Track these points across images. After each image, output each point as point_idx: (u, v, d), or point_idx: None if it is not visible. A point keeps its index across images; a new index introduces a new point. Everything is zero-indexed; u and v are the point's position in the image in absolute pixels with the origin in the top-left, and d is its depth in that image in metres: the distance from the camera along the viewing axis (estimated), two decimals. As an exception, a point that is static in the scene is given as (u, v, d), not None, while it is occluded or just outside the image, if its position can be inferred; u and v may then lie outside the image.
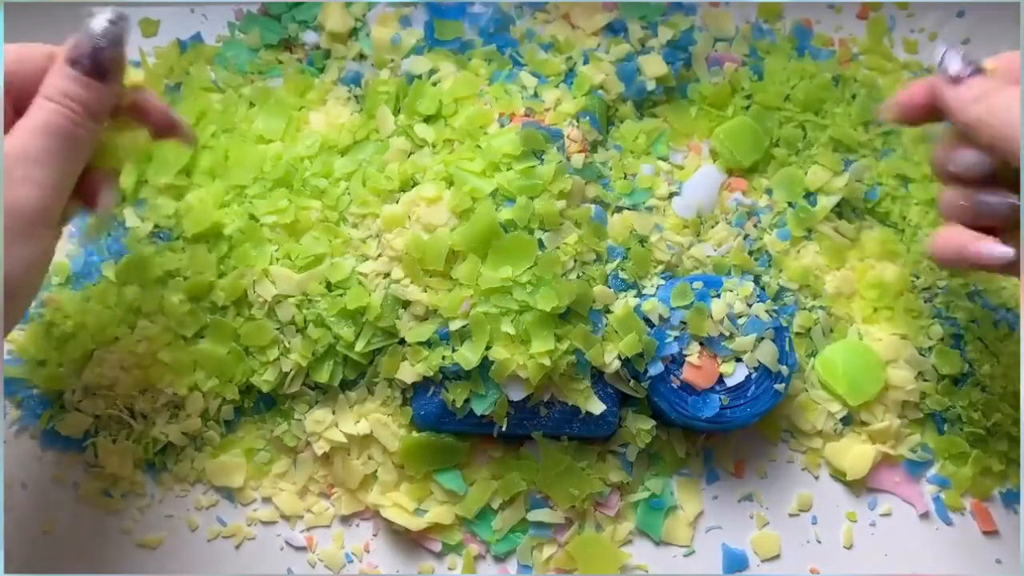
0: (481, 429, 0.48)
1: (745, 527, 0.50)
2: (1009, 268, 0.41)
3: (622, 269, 0.49)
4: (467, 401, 0.47)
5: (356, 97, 0.55)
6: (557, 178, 0.48)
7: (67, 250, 0.52)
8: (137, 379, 0.48)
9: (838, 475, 0.50)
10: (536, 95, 0.53)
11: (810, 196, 0.53)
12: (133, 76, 0.42)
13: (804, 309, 0.51)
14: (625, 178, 0.53)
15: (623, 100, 0.54)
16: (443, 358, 0.46)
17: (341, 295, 0.47)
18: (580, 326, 0.46)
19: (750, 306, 0.48)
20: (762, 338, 0.47)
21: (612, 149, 0.53)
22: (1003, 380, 0.50)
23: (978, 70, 0.41)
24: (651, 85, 0.54)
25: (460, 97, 0.52)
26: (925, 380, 0.50)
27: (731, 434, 0.51)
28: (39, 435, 0.50)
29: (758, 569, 0.49)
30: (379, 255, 0.49)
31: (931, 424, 0.51)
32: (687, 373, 0.47)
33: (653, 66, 0.54)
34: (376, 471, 0.49)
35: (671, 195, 0.53)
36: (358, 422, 0.49)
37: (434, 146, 0.51)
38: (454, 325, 0.46)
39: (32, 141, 0.37)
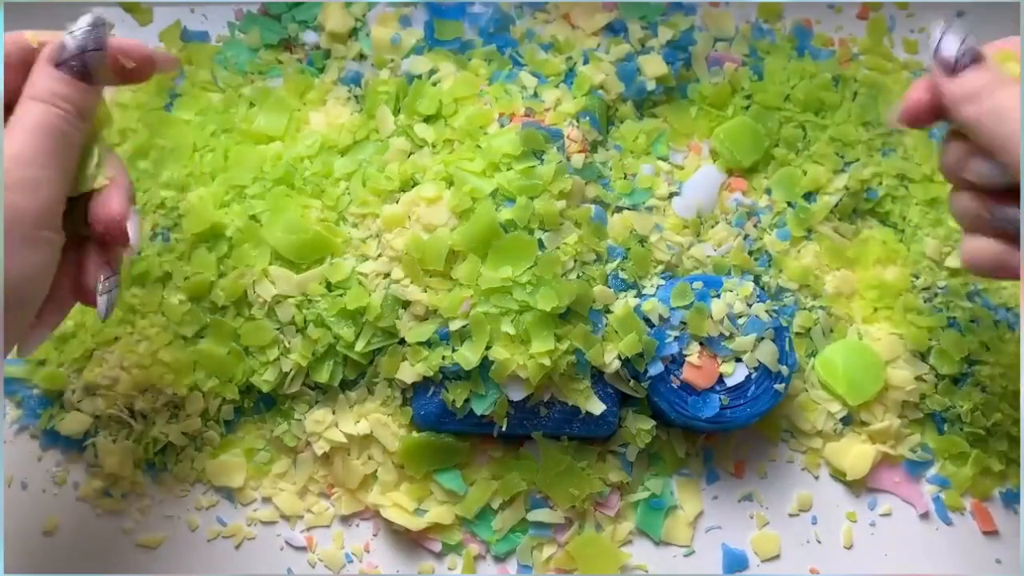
0: (481, 429, 0.48)
1: (745, 527, 0.50)
2: None
3: (622, 269, 0.49)
4: (467, 401, 0.47)
5: (356, 97, 0.55)
6: (557, 178, 0.48)
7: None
8: (137, 379, 0.48)
9: (838, 475, 0.50)
10: (536, 95, 0.53)
11: (810, 196, 0.53)
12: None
13: (804, 309, 0.51)
14: (625, 178, 0.53)
15: (623, 100, 0.54)
16: (443, 358, 0.46)
17: (341, 295, 0.47)
18: (580, 326, 0.46)
19: (750, 306, 0.48)
20: (762, 338, 0.47)
21: (612, 149, 0.53)
22: (1003, 380, 0.50)
23: (975, 58, 0.39)
24: (651, 85, 0.54)
25: (460, 97, 0.52)
26: (925, 380, 0.50)
27: (731, 434, 0.51)
28: (39, 435, 0.50)
29: (758, 569, 0.49)
30: (379, 255, 0.49)
31: (931, 424, 0.51)
32: (687, 373, 0.47)
33: (653, 66, 0.54)
34: (376, 471, 0.49)
35: (671, 195, 0.53)
36: (358, 422, 0.49)
37: (434, 146, 0.51)
38: (454, 325, 0.46)
39: (28, 142, 0.36)
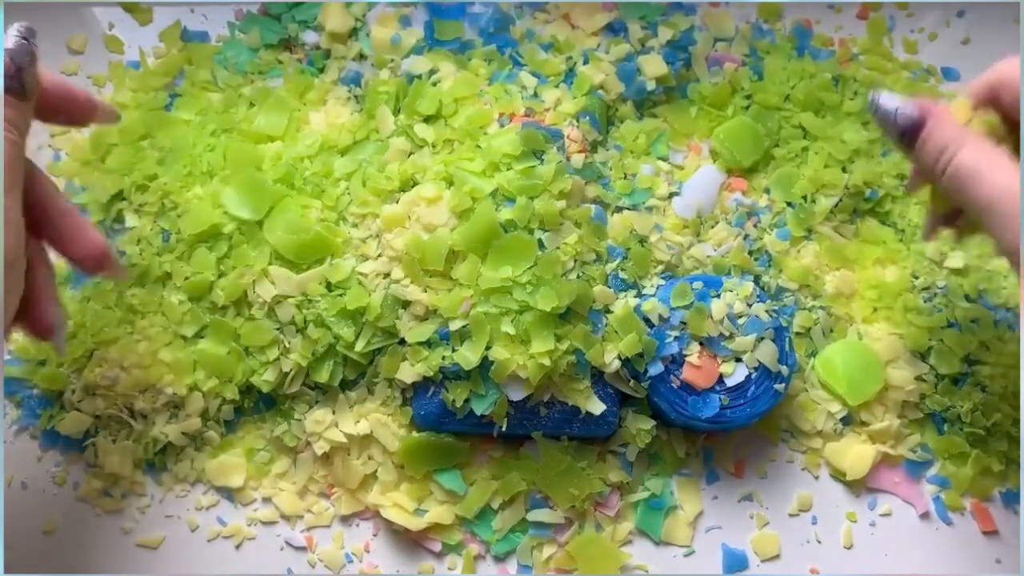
0: (481, 429, 0.48)
1: (745, 527, 0.50)
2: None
3: (622, 269, 0.49)
4: (467, 401, 0.47)
5: (356, 97, 0.55)
6: (557, 178, 0.48)
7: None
8: (137, 379, 0.48)
9: (838, 475, 0.50)
10: (536, 95, 0.53)
11: (810, 196, 0.53)
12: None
13: (804, 309, 0.51)
14: (625, 178, 0.53)
15: (623, 100, 0.54)
16: (443, 358, 0.46)
17: (341, 295, 0.47)
18: (580, 326, 0.46)
19: (750, 306, 0.48)
20: (762, 338, 0.47)
21: (612, 149, 0.53)
22: (1003, 380, 0.50)
23: (916, 123, 0.40)
24: (651, 85, 0.54)
25: (460, 97, 0.52)
26: (925, 380, 0.50)
27: (731, 434, 0.51)
28: (39, 435, 0.50)
29: (758, 569, 0.49)
30: (379, 255, 0.49)
31: (931, 424, 0.51)
32: (687, 373, 0.47)
33: (653, 66, 0.54)
34: (376, 471, 0.49)
35: (671, 195, 0.53)
36: (358, 422, 0.49)
37: (434, 146, 0.51)
38: (454, 325, 0.46)
39: None
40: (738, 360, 0.47)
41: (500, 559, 0.49)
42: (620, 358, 0.47)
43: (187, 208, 0.50)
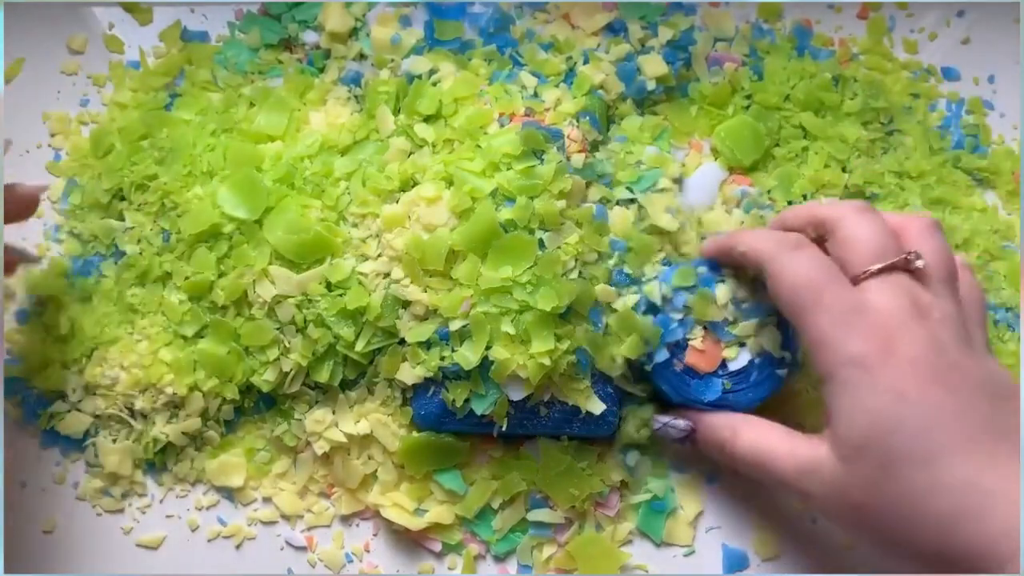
0: (481, 429, 0.48)
1: (745, 527, 0.50)
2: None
3: (624, 262, 0.49)
4: (467, 401, 0.47)
5: (356, 97, 0.55)
6: (557, 178, 0.47)
7: (67, 250, 0.52)
8: (137, 379, 0.48)
9: (838, 475, 0.50)
10: (536, 95, 0.53)
11: (810, 195, 0.53)
12: None
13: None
14: (633, 165, 0.52)
15: (623, 100, 0.54)
16: (443, 358, 0.46)
17: (341, 295, 0.47)
18: (583, 327, 0.46)
19: (754, 292, 0.48)
20: (765, 324, 0.47)
21: (615, 141, 0.53)
22: (1003, 380, 0.50)
23: (686, 433, 0.47)
24: (651, 85, 0.54)
25: (460, 97, 0.52)
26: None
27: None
28: (39, 435, 0.50)
29: (758, 569, 0.49)
30: (379, 255, 0.49)
31: (931, 424, 0.51)
32: (690, 357, 0.47)
33: (653, 66, 0.54)
34: (376, 471, 0.49)
35: (677, 180, 0.52)
36: (358, 422, 0.49)
37: (434, 146, 0.51)
38: (454, 325, 0.46)
39: None
40: (741, 345, 0.47)
41: (500, 559, 0.49)
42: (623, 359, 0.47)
43: (187, 208, 0.50)
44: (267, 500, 0.50)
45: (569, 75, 0.54)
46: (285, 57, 0.57)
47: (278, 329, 0.48)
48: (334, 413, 0.49)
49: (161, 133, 0.53)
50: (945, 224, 0.52)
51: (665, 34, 0.55)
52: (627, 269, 0.49)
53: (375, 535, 0.50)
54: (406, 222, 0.48)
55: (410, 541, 0.49)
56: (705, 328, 0.47)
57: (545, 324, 0.45)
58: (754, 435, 0.44)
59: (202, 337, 0.49)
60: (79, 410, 0.49)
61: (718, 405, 0.47)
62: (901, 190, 0.53)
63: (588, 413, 0.47)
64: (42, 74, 0.57)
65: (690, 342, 0.47)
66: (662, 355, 0.47)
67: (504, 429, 0.47)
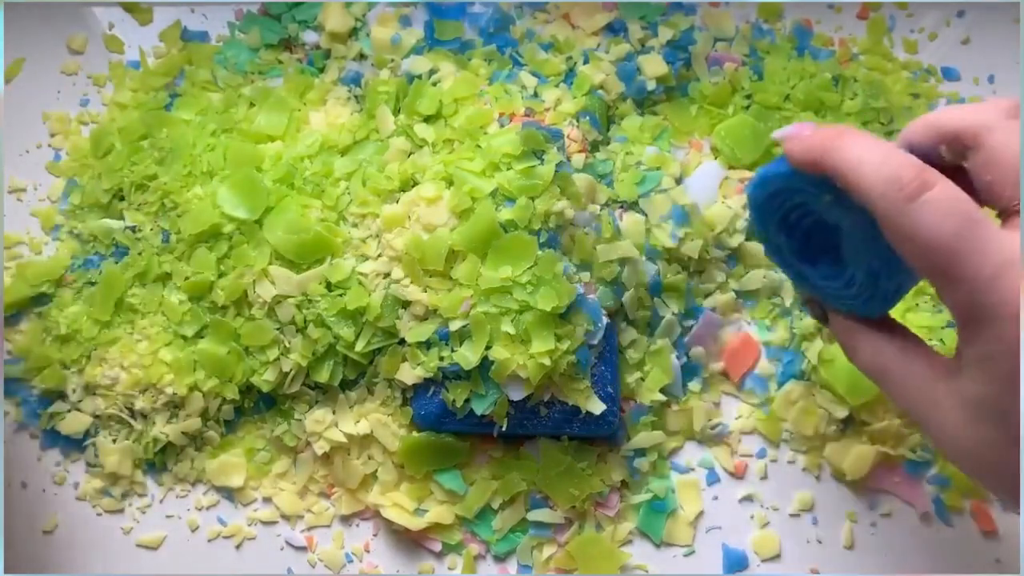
0: (481, 429, 0.48)
1: (745, 527, 0.50)
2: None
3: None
4: (467, 401, 0.47)
5: (356, 97, 0.55)
6: (564, 180, 0.47)
7: (67, 250, 0.52)
8: (137, 379, 0.48)
9: (838, 475, 0.50)
10: (536, 95, 0.53)
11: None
12: None
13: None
14: (633, 165, 0.52)
15: (623, 100, 0.54)
16: (443, 358, 0.46)
17: (341, 295, 0.47)
18: (583, 326, 0.46)
19: None
20: None
21: (616, 141, 0.53)
22: (1003, 380, 0.50)
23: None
24: (651, 85, 0.54)
25: (460, 97, 0.52)
26: (925, 380, 0.50)
27: (731, 435, 0.51)
28: (39, 435, 0.50)
29: (758, 569, 0.49)
30: (379, 255, 0.49)
31: (931, 424, 0.51)
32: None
33: (653, 66, 0.54)
34: (376, 471, 0.49)
35: (679, 180, 0.52)
36: (358, 422, 0.49)
37: (434, 146, 0.51)
38: (454, 325, 0.46)
39: None
40: None
41: (500, 559, 0.49)
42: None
43: (187, 208, 0.50)
44: (267, 500, 0.50)
45: (569, 75, 0.54)
46: (285, 57, 0.57)
47: (278, 329, 0.48)
48: (334, 413, 0.49)
49: (161, 133, 0.53)
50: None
51: (665, 34, 0.55)
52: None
53: (375, 535, 0.49)
54: (406, 222, 0.48)
55: (410, 541, 0.49)
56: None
57: (545, 324, 0.45)
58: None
59: (202, 337, 0.49)
60: (79, 410, 0.49)
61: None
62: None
63: (588, 413, 0.47)
64: (42, 74, 0.57)
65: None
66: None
67: (504, 429, 0.47)
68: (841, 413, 0.50)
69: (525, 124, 0.49)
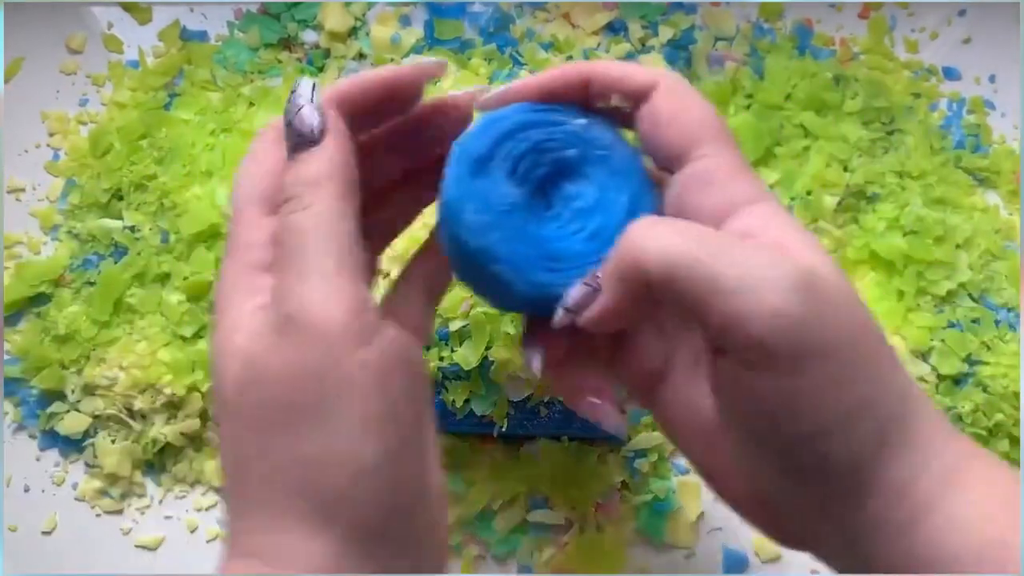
0: (481, 429, 0.48)
1: (746, 528, 0.49)
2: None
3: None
4: (467, 401, 0.46)
5: (356, 96, 0.55)
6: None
7: (66, 250, 0.52)
8: (136, 379, 0.48)
9: (839, 476, 0.50)
10: (536, 94, 0.52)
11: (811, 195, 0.53)
12: None
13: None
14: None
15: (623, 99, 0.54)
16: (442, 358, 0.46)
17: (341, 295, 0.47)
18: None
19: None
20: None
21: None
22: (1004, 380, 0.50)
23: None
24: (652, 84, 0.54)
25: (460, 96, 0.52)
26: (926, 381, 0.50)
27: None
28: (38, 435, 0.50)
29: (759, 570, 0.49)
30: (379, 255, 0.48)
31: (932, 424, 0.51)
32: None
33: (653, 65, 0.54)
34: (376, 472, 0.49)
35: None
36: (358, 422, 0.49)
37: (434, 146, 0.51)
38: (454, 325, 0.46)
39: None
40: None
41: (500, 560, 0.49)
42: None
43: (186, 208, 0.50)
44: (266, 501, 0.50)
45: (569, 74, 0.54)
46: (284, 56, 0.57)
47: (277, 329, 0.48)
48: (334, 413, 0.49)
49: (160, 133, 0.53)
50: (947, 224, 0.52)
51: (665, 33, 0.55)
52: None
53: (375, 536, 0.49)
54: (406, 222, 0.48)
55: (410, 542, 0.49)
56: None
57: (545, 324, 0.45)
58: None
59: (201, 337, 0.49)
60: (78, 410, 0.49)
61: None
62: (902, 190, 0.53)
63: (588, 413, 0.47)
64: (41, 73, 0.56)
65: None
66: None
67: (504, 429, 0.47)
68: (842, 413, 0.50)
69: (525, 124, 0.49)
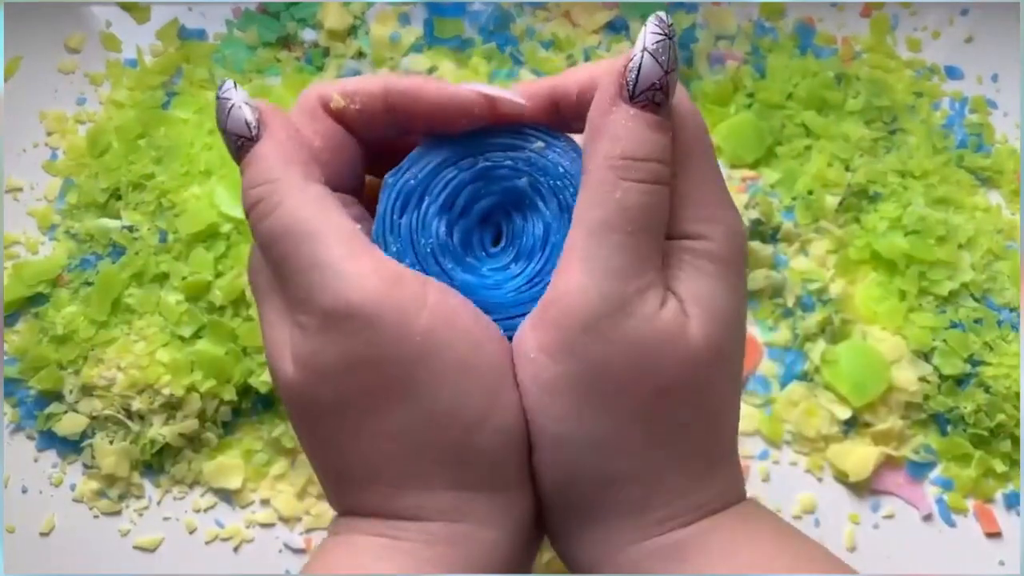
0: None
1: (747, 529, 0.49)
2: None
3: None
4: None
5: (355, 96, 0.55)
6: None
7: (64, 249, 0.52)
8: (134, 380, 0.48)
9: (841, 477, 0.50)
10: (536, 94, 0.52)
11: (813, 194, 0.53)
12: None
13: (820, 303, 0.51)
14: None
15: (624, 98, 0.54)
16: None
17: (340, 295, 0.47)
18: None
19: None
20: None
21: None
22: (1006, 381, 0.50)
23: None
24: (652, 83, 0.54)
25: (460, 96, 0.52)
26: (928, 381, 0.50)
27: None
28: (36, 436, 0.50)
29: (760, 571, 0.49)
30: (378, 255, 0.48)
31: (934, 425, 0.51)
32: None
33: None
34: (375, 473, 0.49)
35: None
36: (357, 423, 0.48)
37: (434, 145, 0.51)
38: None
39: None
40: None
41: (500, 561, 0.49)
42: None
43: (184, 207, 0.50)
44: (265, 502, 0.49)
45: (570, 73, 0.54)
46: (283, 55, 0.57)
47: (276, 330, 0.48)
48: (333, 414, 0.49)
49: (158, 132, 0.52)
50: (949, 224, 0.52)
51: (666, 32, 0.55)
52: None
53: (374, 537, 0.49)
54: (405, 222, 0.48)
55: (409, 543, 0.49)
56: None
57: (545, 325, 0.45)
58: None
59: (200, 338, 0.49)
60: (76, 411, 0.49)
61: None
62: (904, 189, 0.53)
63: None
64: (39, 72, 0.56)
65: None
66: None
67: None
68: (844, 414, 0.49)
69: (525, 123, 0.49)
